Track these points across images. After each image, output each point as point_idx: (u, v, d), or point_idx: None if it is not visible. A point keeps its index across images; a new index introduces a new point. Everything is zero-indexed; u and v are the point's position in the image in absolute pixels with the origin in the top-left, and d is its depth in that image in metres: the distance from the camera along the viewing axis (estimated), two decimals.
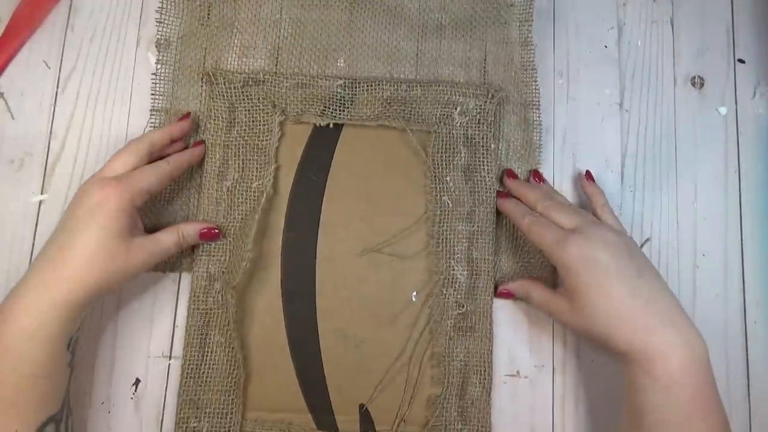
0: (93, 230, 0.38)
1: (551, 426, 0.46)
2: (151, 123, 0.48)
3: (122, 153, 0.42)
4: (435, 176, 0.48)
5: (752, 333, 0.49)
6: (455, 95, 0.49)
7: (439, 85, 0.49)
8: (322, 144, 0.49)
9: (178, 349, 0.46)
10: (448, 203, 0.47)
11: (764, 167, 0.51)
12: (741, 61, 0.53)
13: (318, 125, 0.48)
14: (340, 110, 0.48)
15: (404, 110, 0.49)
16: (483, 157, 0.48)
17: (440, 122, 0.49)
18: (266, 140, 0.47)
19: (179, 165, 0.44)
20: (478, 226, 0.48)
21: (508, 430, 0.46)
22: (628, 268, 0.39)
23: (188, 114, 0.47)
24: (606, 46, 0.53)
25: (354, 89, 0.48)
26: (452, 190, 0.48)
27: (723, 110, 0.52)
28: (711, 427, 0.37)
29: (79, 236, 0.38)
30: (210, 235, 0.45)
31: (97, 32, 0.50)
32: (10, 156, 0.47)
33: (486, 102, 0.49)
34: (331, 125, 0.48)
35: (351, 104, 0.48)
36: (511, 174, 0.48)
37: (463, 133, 0.48)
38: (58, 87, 0.49)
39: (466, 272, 0.47)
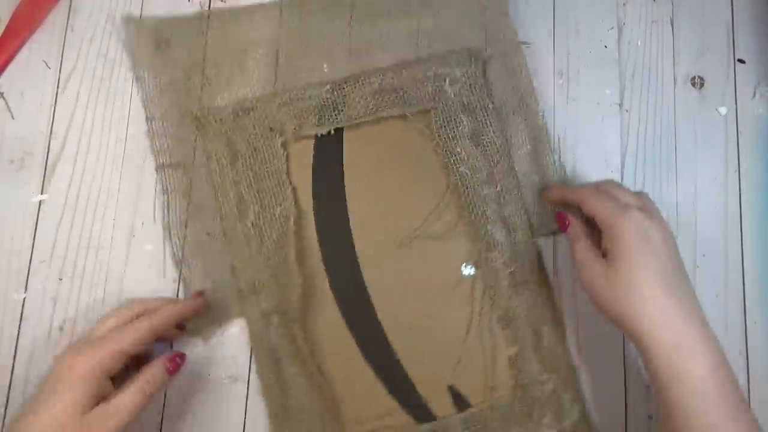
0: (50, 403, 0.36)
1: None
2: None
3: (109, 317, 0.41)
4: (445, 151, 0.48)
5: (752, 333, 0.49)
6: (440, 68, 0.49)
7: (423, 63, 0.49)
8: (329, 152, 0.48)
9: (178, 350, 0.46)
10: (466, 173, 0.47)
11: (764, 167, 0.51)
12: (741, 61, 0.53)
13: (319, 135, 0.48)
14: (335, 114, 0.48)
15: (397, 97, 0.48)
16: (484, 119, 0.48)
17: (434, 98, 0.49)
18: (274, 164, 0.47)
19: (162, 320, 0.40)
20: (501, 186, 0.48)
21: None
22: (673, 260, 0.40)
23: (201, 292, 0.45)
24: (606, 46, 0.53)
25: (342, 90, 0.48)
26: (465, 158, 0.48)
27: (723, 110, 0.52)
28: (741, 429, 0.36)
29: (38, 408, 0.36)
30: (176, 364, 0.40)
31: (97, 32, 0.50)
32: (10, 156, 0.47)
33: (471, 66, 0.49)
34: (332, 131, 0.48)
35: (344, 106, 0.48)
36: (554, 191, 0.47)
37: (459, 102, 0.49)
38: (58, 87, 0.49)
39: (503, 232, 0.47)
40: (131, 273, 0.46)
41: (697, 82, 0.53)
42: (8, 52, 0.48)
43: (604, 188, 0.43)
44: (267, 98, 0.48)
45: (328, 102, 0.48)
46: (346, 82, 0.48)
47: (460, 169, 0.48)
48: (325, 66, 0.50)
